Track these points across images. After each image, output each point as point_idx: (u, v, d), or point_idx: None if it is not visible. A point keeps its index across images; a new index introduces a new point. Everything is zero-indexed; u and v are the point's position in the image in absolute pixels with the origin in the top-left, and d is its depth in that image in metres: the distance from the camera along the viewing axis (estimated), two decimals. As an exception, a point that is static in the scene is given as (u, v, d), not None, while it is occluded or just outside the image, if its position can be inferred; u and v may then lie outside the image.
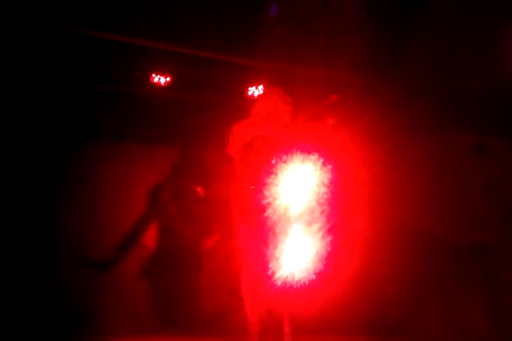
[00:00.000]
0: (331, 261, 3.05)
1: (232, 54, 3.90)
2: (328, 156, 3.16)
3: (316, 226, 3.10)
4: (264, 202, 3.13)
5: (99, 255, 4.28)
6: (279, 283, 3.05)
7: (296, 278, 3.03)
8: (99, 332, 3.83)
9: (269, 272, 3.08)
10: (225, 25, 3.84)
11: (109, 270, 4.27)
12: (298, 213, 3.17)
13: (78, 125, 4.21)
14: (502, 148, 3.60)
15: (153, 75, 4.36)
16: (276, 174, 3.17)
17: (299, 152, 3.22)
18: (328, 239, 3.04)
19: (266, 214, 3.14)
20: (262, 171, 3.19)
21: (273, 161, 3.20)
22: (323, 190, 3.13)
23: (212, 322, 4.35)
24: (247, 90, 4.37)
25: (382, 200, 3.99)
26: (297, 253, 3.19)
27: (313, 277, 3.00)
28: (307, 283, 3.00)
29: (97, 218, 4.38)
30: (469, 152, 3.72)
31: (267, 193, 3.14)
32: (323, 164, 3.14)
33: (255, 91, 4.33)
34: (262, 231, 3.16)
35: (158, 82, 4.37)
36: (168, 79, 4.38)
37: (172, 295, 4.44)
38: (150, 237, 4.49)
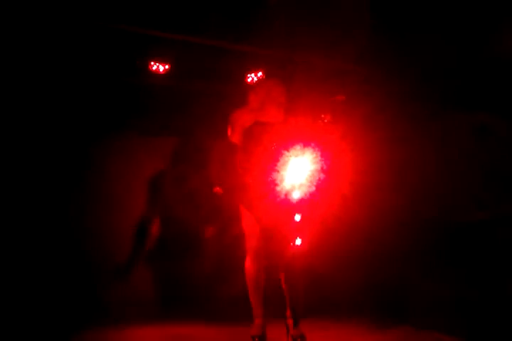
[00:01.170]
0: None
1: (232, 41, 3.89)
2: (326, 143, 3.20)
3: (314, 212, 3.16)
4: (266, 187, 3.20)
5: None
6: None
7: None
8: (105, 320, 3.88)
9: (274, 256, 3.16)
10: (224, 11, 3.83)
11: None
12: (297, 198, 3.24)
13: (82, 116, 4.21)
14: (503, 128, 3.62)
15: (152, 63, 4.35)
16: (276, 160, 3.22)
17: (298, 138, 3.27)
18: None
19: (269, 199, 3.20)
20: (263, 157, 3.23)
21: (273, 147, 3.24)
22: (322, 175, 3.20)
23: (216, 307, 4.42)
24: (247, 77, 4.37)
25: (383, 185, 4.05)
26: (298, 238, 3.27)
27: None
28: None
29: (103, 208, 4.41)
30: (471, 133, 3.75)
31: (268, 179, 3.19)
32: (322, 150, 3.19)
33: (254, 78, 4.34)
34: (265, 216, 3.22)
35: (157, 70, 4.35)
36: (167, 67, 4.36)
37: (176, 281, 4.50)
38: (154, 224, 4.53)
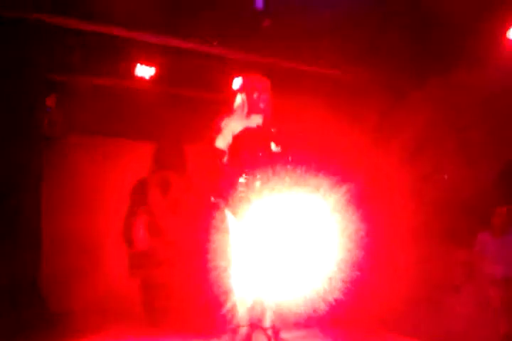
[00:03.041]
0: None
1: (219, 46, 3.88)
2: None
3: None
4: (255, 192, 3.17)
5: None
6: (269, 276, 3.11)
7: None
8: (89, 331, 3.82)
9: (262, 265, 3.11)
10: (211, 17, 3.82)
11: None
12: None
13: (62, 118, 4.15)
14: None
15: (138, 66, 4.31)
16: (266, 165, 3.20)
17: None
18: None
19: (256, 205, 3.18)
20: (252, 163, 3.21)
21: (261, 153, 3.23)
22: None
23: (201, 316, 4.37)
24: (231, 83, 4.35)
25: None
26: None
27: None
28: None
29: (82, 212, 4.34)
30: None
31: (257, 183, 3.17)
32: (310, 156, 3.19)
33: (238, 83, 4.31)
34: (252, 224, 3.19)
35: (142, 77, 4.33)
36: (152, 72, 4.33)
37: (162, 291, 4.44)
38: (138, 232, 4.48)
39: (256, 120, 3.38)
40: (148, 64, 4.27)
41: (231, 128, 3.34)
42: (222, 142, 3.30)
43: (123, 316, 4.22)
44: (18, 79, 3.78)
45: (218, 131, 3.36)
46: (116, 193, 4.45)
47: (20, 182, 3.83)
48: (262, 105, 3.36)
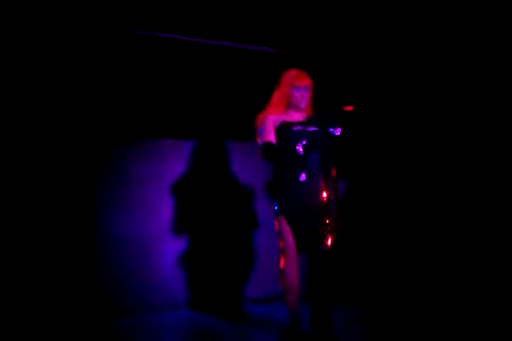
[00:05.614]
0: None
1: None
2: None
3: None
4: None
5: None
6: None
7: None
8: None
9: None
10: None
11: None
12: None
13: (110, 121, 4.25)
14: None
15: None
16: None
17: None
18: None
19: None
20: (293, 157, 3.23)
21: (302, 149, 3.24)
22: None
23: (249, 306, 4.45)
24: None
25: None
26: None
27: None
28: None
29: (132, 214, 4.43)
30: None
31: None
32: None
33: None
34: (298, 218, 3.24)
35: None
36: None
37: (211, 283, 4.54)
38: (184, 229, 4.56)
39: (295, 114, 3.40)
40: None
41: (271, 123, 3.36)
42: (266, 138, 3.31)
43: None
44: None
45: (258, 127, 3.38)
46: (160, 193, 4.52)
47: (73, 184, 3.99)
48: (301, 99, 3.37)
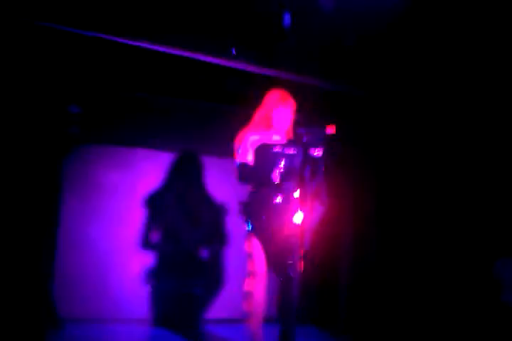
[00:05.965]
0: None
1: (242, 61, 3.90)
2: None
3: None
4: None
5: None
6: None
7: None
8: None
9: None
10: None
11: None
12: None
13: (83, 127, 4.17)
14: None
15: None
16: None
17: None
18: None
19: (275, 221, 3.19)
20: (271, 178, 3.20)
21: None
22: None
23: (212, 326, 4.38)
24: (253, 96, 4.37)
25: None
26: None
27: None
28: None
29: (100, 220, 4.36)
30: None
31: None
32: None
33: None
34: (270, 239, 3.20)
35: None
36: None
37: (175, 299, 4.45)
38: (153, 242, 4.49)
39: (276, 136, 3.40)
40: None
41: (250, 142, 3.34)
42: (247, 157, 3.30)
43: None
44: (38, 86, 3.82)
45: (240, 146, 3.36)
46: (133, 203, 4.46)
47: (37, 194, 3.84)
48: (282, 121, 3.37)
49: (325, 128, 3.19)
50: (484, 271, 3.95)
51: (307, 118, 3.61)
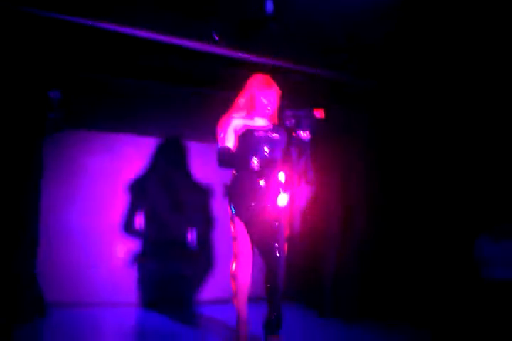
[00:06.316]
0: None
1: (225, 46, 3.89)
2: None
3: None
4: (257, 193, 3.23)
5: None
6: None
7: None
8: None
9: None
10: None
11: None
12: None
13: (66, 113, 4.14)
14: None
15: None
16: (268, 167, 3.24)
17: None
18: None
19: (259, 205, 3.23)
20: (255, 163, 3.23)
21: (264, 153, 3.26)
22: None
23: (198, 307, 4.44)
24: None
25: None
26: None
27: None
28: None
29: (83, 206, 4.36)
30: None
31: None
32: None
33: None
34: (254, 222, 3.25)
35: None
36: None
37: (161, 283, 4.50)
38: (137, 226, 4.51)
39: (259, 120, 3.41)
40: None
41: (233, 127, 3.35)
42: (225, 141, 3.31)
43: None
44: (18, 71, 3.77)
45: (220, 130, 3.38)
46: (116, 189, 4.46)
47: (19, 179, 3.83)
48: (266, 106, 3.39)
49: (313, 111, 3.22)
50: (465, 250, 4.07)
51: (293, 103, 3.63)
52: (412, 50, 4.18)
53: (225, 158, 3.27)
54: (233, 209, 3.31)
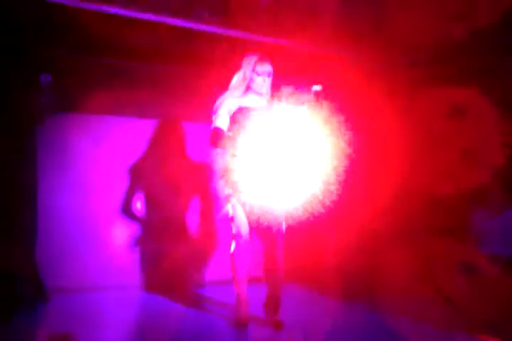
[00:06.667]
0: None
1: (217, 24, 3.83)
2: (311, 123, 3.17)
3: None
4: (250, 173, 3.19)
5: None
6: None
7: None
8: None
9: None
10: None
11: None
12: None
13: (59, 96, 4.09)
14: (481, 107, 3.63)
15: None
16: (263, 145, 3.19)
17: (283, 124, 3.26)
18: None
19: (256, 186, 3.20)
20: (249, 144, 3.20)
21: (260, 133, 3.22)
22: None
23: (199, 289, 4.45)
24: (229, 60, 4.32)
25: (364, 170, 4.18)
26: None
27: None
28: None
29: (79, 191, 4.33)
30: (448, 112, 3.83)
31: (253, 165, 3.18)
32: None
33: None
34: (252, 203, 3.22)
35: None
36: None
37: (161, 265, 4.50)
38: (136, 208, 4.49)
39: (253, 99, 3.37)
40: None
41: (227, 107, 3.31)
42: (219, 121, 3.27)
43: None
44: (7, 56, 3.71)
45: (214, 110, 3.34)
46: (112, 172, 4.43)
47: (14, 165, 3.80)
48: (261, 84, 3.35)
49: (311, 87, 3.18)
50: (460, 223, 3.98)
51: (290, 81, 3.58)
52: None
53: (217, 139, 3.24)
54: (229, 190, 3.29)
